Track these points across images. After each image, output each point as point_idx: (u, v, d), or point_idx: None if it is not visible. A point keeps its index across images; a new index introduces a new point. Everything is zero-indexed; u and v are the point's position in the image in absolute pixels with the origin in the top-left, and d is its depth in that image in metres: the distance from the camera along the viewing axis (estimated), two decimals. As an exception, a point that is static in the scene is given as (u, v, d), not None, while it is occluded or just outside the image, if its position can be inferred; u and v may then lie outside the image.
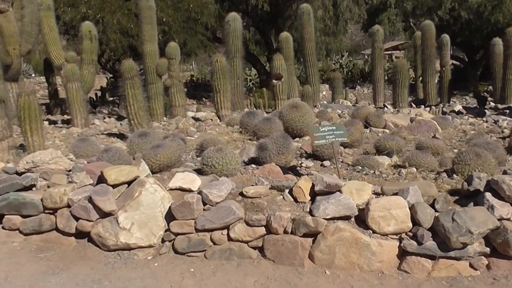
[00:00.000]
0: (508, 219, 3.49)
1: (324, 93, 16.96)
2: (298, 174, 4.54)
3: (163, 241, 3.95)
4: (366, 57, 28.23)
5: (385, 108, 9.69)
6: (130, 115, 6.59)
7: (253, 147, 5.16)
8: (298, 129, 5.81)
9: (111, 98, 17.47)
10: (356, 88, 19.64)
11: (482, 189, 3.71)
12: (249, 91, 16.47)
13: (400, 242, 3.58)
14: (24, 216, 4.15)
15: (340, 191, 3.79)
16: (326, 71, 20.44)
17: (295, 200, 3.88)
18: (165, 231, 3.94)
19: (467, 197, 3.79)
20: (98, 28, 10.63)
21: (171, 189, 4.10)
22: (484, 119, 8.01)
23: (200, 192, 3.89)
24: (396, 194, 3.81)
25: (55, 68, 10.51)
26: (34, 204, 4.09)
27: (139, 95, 6.59)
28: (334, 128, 4.28)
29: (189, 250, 3.83)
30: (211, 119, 8.27)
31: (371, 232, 3.63)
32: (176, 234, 3.88)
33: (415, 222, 3.59)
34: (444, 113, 9.18)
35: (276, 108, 8.92)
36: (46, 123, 9.14)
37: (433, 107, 9.92)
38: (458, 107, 9.86)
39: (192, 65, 29.47)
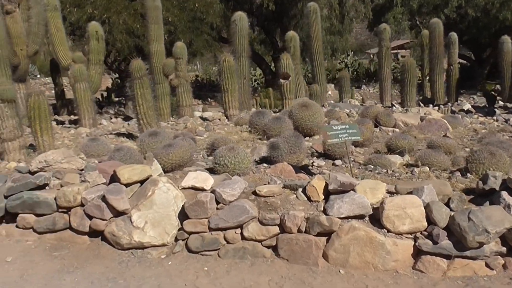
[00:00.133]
0: (525, 218, 3.46)
1: (329, 92, 16.91)
2: (310, 173, 4.53)
3: (176, 240, 3.95)
4: (371, 56, 28.16)
5: (393, 107, 9.66)
6: (139, 115, 6.59)
7: (264, 146, 5.15)
8: (308, 128, 5.79)
9: (117, 99, 17.52)
10: (362, 88, 19.59)
11: (497, 188, 3.69)
12: (254, 91, 16.46)
13: (415, 242, 3.57)
14: (38, 215, 4.17)
15: (354, 190, 3.78)
16: (331, 70, 20.41)
17: (309, 199, 3.86)
18: (178, 230, 3.93)
19: (482, 196, 3.77)
20: (104, 29, 10.64)
21: (183, 188, 4.10)
22: (494, 118, 7.97)
23: (213, 191, 3.89)
24: (410, 193, 3.80)
25: (62, 69, 10.52)
26: (48, 203, 4.10)
27: (148, 95, 6.59)
28: (347, 126, 4.27)
29: (202, 249, 3.83)
30: (219, 119, 8.27)
31: (386, 231, 3.62)
32: (190, 233, 3.88)
33: (430, 221, 3.57)
34: (453, 112, 9.13)
35: (284, 108, 8.90)
36: (53, 123, 9.14)
37: (442, 106, 9.86)
38: (467, 106, 9.80)
39: (197, 65, 29.49)
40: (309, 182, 3.92)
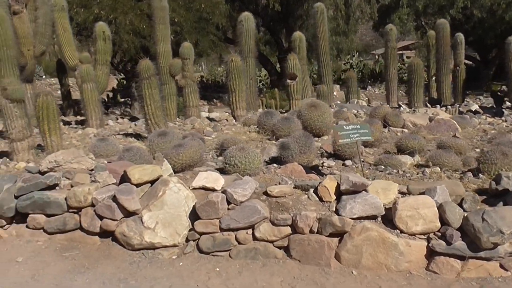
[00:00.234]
0: (540, 219, 3.43)
1: (335, 93, 16.87)
2: (321, 174, 4.51)
3: (187, 240, 3.94)
4: (376, 57, 28.08)
5: (401, 108, 9.62)
6: (147, 115, 6.58)
7: (274, 147, 5.14)
8: (317, 129, 5.77)
9: (122, 99, 17.54)
10: (367, 89, 19.54)
11: (511, 189, 3.66)
12: (260, 92, 16.44)
13: (428, 242, 3.54)
14: (48, 215, 4.16)
15: (366, 190, 3.75)
16: (336, 71, 20.34)
17: (320, 199, 3.84)
18: (189, 230, 3.92)
19: (495, 196, 3.74)
20: (111, 29, 10.65)
21: (194, 188, 4.09)
22: (503, 118, 7.92)
23: (224, 191, 3.87)
24: (422, 193, 3.77)
25: (69, 69, 10.53)
26: (59, 203, 4.09)
27: (156, 95, 6.58)
28: (358, 127, 4.25)
29: (214, 249, 3.81)
30: (226, 119, 8.26)
31: (399, 232, 3.60)
32: (201, 234, 3.87)
33: (443, 221, 3.54)
34: (460, 112, 9.10)
35: (291, 108, 8.88)
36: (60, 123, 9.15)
37: (449, 106, 9.82)
38: (475, 107, 9.76)
39: (202, 66, 29.51)
40: (320, 182, 3.90)
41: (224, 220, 3.77)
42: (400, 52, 27.05)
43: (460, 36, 12.71)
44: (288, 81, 8.87)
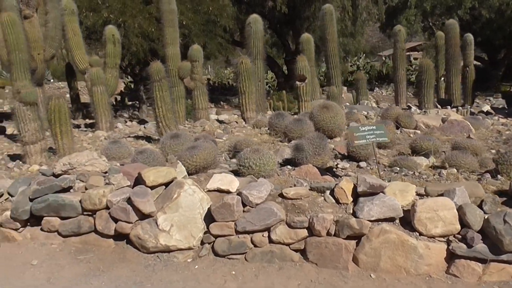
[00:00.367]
0: (563, 221, 3.36)
1: (342, 95, 16.80)
2: (335, 176, 4.46)
3: (202, 243, 3.90)
4: (383, 58, 27.98)
5: (411, 109, 9.54)
6: (158, 118, 6.56)
7: (287, 148, 5.10)
8: (329, 130, 5.73)
9: (130, 102, 17.56)
10: (375, 90, 19.44)
11: (532, 190, 3.60)
12: (267, 94, 16.42)
13: (448, 245, 3.49)
14: (62, 218, 4.15)
15: (383, 192, 3.71)
16: (343, 73, 20.26)
17: (337, 201, 3.80)
18: (204, 233, 3.89)
19: (516, 198, 3.68)
20: (120, 32, 10.66)
21: (209, 191, 4.06)
22: (516, 119, 7.84)
23: (239, 194, 3.84)
24: (441, 195, 3.72)
25: (79, 72, 10.56)
26: (73, 206, 4.07)
27: (167, 97, 6.57)
28: (374, 128, 4.20)
29: (229, 252, 3.78)
30: (236, 122, 8.23)
31: (418, 234, 3.54)
32: (216, 236, 3.83)
33: (463, 224, 3.49)
34: (472, 113, 9.01)
35: (300, 110, 8.83)
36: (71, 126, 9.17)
37: (460, 107, 9.74)
38: (486, 108, 9.67)
39: (208, 69, 29.55)
40: (336, 184, 3.86)
41: (240, 223, 3.74)
42: (408, 53, 26.89)
43: (470, 36, 12.62)
44: (298, 83, 8.82)
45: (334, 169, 4.67)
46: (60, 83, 25.11)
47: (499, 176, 4.23)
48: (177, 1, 9.90)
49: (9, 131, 9.25)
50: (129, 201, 3.94)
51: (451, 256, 3.48)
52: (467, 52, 12.48)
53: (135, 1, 12.46)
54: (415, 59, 24.29)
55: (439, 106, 10.34)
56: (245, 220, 3.73)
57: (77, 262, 3.91)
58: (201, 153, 4.39)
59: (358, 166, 4.84)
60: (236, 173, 4.37)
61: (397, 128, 6.64)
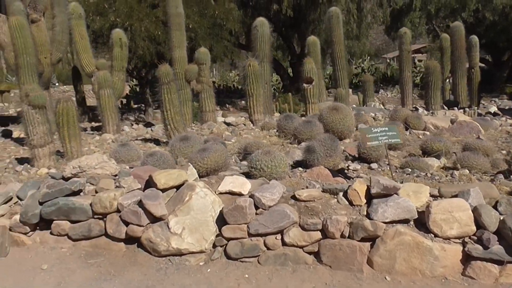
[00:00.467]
0: None
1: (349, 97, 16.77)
2: (347, 177, 4.43)
3: (214, 246, 3.86)
4: (388, 60, 27.94)
5: (418, 110, 9.50)
6: (167, 120, 6.55)
7: (297, 150, 5.07)
8: (339, 132, 5.69)
9: (136, 106, 17.60)
10: (380, 92, 19.42)
11: (548, 191, 3.55)
12: (273, 96, 16.41)
13: (464, 246, 3.44)
14: (72, 222, 4.11)
15: (397, 193, 3.67)
16: (348, 75, 20.24)
17: (350, 203, 3.76)
18: (217, 236, 3.85)
19: (531, 199, 3.62)
20: (127, 36, 10.68)
21: (220, 193, 4.03)
22: (525, 120, 7.78)
23: (251, 196, 3.80)
24: (455, 196, 3.68)
25: (86, 76, 10.57)
26: (84, 209, 4.04)
27: (176, 100, 6.55)
28: (386, 129, 4.16)
29: (242, 255, 3.74)
30: (244, 124, 8.20)
31: (433, 236, 3.50)
32: (228, 239, 3.80)
33: (478, 225, 3.45)
34: (479, 114, 8.96)
35: (307, 112, 8.80)
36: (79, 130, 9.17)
37: (467, 108, 9.69)
38: (493, 109, 9.62)
39: (213, 72, 29.59)
40: (350, 186, 3.82)
41: (253, 225, 3.70)
42: (412, 55, 26.83)
43: (475, 38, 12.60)
44: (305, 85, 8.79)
45: (346, 171, 4.64)
46: (65, 86, 25.21)
47: (511, 177, 4.18)
48: (184, 4, 9.91)
49: (15, 134, 9.27)
50: (140, 204, 3.92)
51: (466, 258, 3.44)
52: (472, 54, 12.47)
53: (141, 5, 12.50)
54: (420, 61, 24.27)
55: (445, 107, 10.29)
56: (258, 222, 3.70)
57: (87, 266, 3.88)
58: (212, 155, 4.36)
59: (369, 167, 4.80)
60: (247, 175, 4.33)
61: (406, 129, 6.60)
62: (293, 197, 3.85)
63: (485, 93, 17.25)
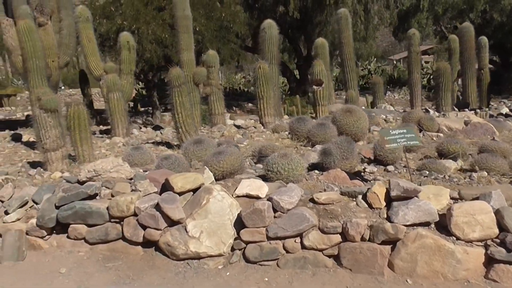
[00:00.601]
0: None
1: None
2: (364, 180, 4.39)
3: (232, 249, 3.84)
4: (394, 62, 27.86)
5: (429, 112, 9.43)
6: (178, 123, 6.52)
7: (312, 153, 5.04)
8: (352, 134, 5.65)
9: (143, 109, 17.60)
10: (387, 94, 19.34)
11: None
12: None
13: (486, 249, 3.40)
14: (89, 225, 4.10)
15: (417, 196, 3.63)
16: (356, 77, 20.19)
17: (370, 206, 3.73)
18: (235, 239, 3.83)
19: (553, 201, 3.58)
20: (134, 39, 10.69)
21: (238, 196, 4.01)
22: (539, 121, 7.70)
23: (270, 199, 3.78)
24: (476, 198, 3.65)
25: (94, 79, 10.59)
26: (100, 213, 4.03)
27: (187, 103, 6.53)
28: (404, 131, 4.13)
29: (261, 258, 3.71)
30: (254, 127, 8.17)
31: (454, 238, 3.46)
32: (247, 242, 3.77)
33: (501, 228, 3.41)
34: (491, 116, 8.89)
35: (317, 115, 8.76)
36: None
37: (478, 110, 9.63)
38: (505, 110, 9.54)
39: (219, 74, 29.58)
40: (369, 188, 3.79)
41: (271, 229, 3.67)
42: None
43: (484, 39, 12.53)
44: (314, 87, 8.76)
45: (362, 173, 4.60)
46: (70, 90, 25.29)
47: (533, 179, 4.13)
48: (191, 7, 9.90)
49: (25, 138, 9.28)
50: (157, 207, 3.90)
51: (489, 261, 3.39)
52: (482, 55, 12.40)
53: (148, 8, 12.50)
54: (426, 62, 24.17)
55: (456, 109, 10.23)
56: (276, 226, 3.67)
57: (105, 270, 3.86)
58: (228, 158, 4.33)
59: (385, 170, 4.76)
60: (264, 178, 4.30)
61: (420, 131, 6.56)
62: (312, 200, 3.82)
63: (493, 94, 17.16)
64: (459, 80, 13.33)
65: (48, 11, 9.89)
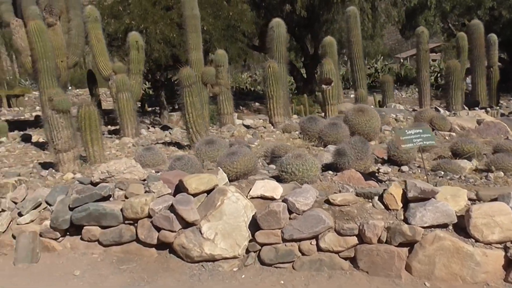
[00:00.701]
0: None
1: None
2: (379, 180, 4.34)
3: (247, 251, 3.81)
4: (401, 60, 27.71)
5: (439, 111, 9.35)
6: (189, 124, 6.50)
7: (326, 153, 5.00)
8: (365, 134, 5.60)
9: (150, 109, 17.62)
10: (394, 92, 19.21)
11: None
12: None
13: (506, 252, 3.35)
14: (103, 227, 4.09)
15: (434, 197, 3.58)
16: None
17: (386, 207, 3.69)
18: (249, 241, 3.80)
19: None
20: (142, 38, 10.69)
21: (252, 198, 3.98)
22: (552, 119, 7.61)
23: (285, 200, 3.75)
24: (494, 199, 3.59)
25: (103, 79, 10.59)
26: (114, 215, 4.02)
27: (197, 103, 6.51)
28: (420, 131, 4.08)
29: (276, 261, 3.68)
30: (264, 126, 8.13)
31: (473, 240, 3.41)
32: (262, 245, 3.74)
33: (521, 229, 3.35)
34: (502, 114, 8.81)
35: (327, 114, 8.71)
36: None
37: (489, 109, 9.54)
38: (516, 108, 9.44)
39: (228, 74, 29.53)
40: (385, 189, 3.74)
41: (287, 230, 3.64)
42: (426, 54, 26.51)
43: (493, 37, 12.41)
44: (324, 86, 8.71)
45: (376, 174, 4.55)
46: (77, 90, 25.37)
47: (551, 179, 4.07)
48: (198, 6, 9.87)
49: (34, 138, 9.30)
50: (171, 209, 3.88)
51: (509, 263, 3.34)
52: (491, 52, 12.27)
53: (156, 7, 12.49)
54: (433, 60, 24.00)
55: (466, 107, 10.14)
56: (292, 227, 3.64)
57: (120, 272, 3.85)
58: (242, 159, 4.31)
59: (399, 170, 4.71)
60: (277, 179, 4.27)
61: (432, 130, 6.48)
62: (327, 201, 3.79)
63: (502, 93, 17.00)
64: (467, 78, 13.23)
65: (57, 12, 9.88)
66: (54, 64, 8.26)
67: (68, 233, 4.28)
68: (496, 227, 3.37)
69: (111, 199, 4.25)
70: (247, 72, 28.06)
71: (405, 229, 3.45)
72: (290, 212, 3.72)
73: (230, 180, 4.31)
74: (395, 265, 3.49)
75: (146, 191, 4.19)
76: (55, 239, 4.23)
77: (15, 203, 4.41)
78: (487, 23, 19.12)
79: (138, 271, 3.83)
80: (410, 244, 3.50)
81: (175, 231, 3.84)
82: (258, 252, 3.77)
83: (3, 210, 4.35)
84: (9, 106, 20.27)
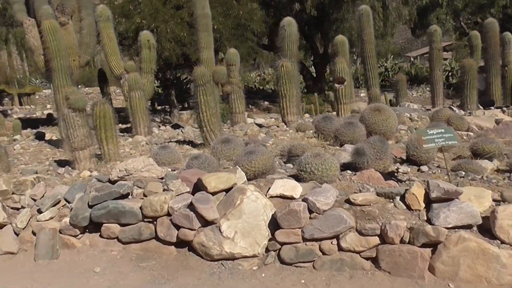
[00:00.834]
0: None
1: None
2: (398, 180, 4.30)
3: (267, 250, 3.79)
4: (412, 59, 27.53)
5: (454, 110, 9.25)
6: (203, 122, 6.48)
7: (343, 152, 4.96)
8: (381, 133, 5.54)
9: (160, 107, 17.65)
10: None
11: None
12: (296, 96, 16.25)
13: (532, 253, 3.30)
14: (122, 225, 4.09)
15: (457, 198, 3.54)
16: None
17: (408, 207, 3.65)
18: (269, 240, 3.78)
19: None
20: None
21: (271, 197, 3.95)
22: None
23: (305, 200, 3.72)
24: (519, 200, 3.54)
25: (115, 78, 10.62)
26: (134, 213, 4.01)
27: (211, 102, 6.49)
28: (442, 131, 4.03)
29: (297, 260, 3.66)
30: (276, 125, 8.10)
31: (499, 242, 3.36)
32: (282, 244, 3.72)
33: (547, 231, 3.30)
34: (518, 114, 8.69)
35: (339, 113, 8.65)
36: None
37: (504, 108, 9.43)
38: (532, 108, 9.32)
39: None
40: (407, 189, 3.71)
41: (307, 230, 3.62)
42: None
43: (508, 35, 12.23)
44: (336, 85, 8.64)
45: (396, 174, 4.51)
46: (87, 88, 25.48)
47: None
48: (209, 5, 9.87)
49: (47, 136, 9.35)
50: (191, 207, 3.87)
51: (535, 266, 3.29)
52: (506, 51, 12.08)
53: (166, 6, 12.51)
54: (445, 59, 23.80)
55: (481, 107, 10.02)
56: (312, 227, 3.61)
57: (140, 269, 3.84)
58: (260, 158, 4.28)
59: (419, 170, 4.66)
60: (296, 178, 4.24)
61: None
62: (347, 201, 3.76)
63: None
64: (479, 77, 13.07)
65: (69, 11, 9.91)
66: (68, 63, 8.30)
67: (87, 230, 4.28)
68: (522, 229, 3.32)
69: (129, 197, 4.25)
70: (255, 71, 28.05)
71: (428, 229, 3.41)
72: (310, 211, 3.69)
73: (248, 179, 4.29)
74: (418, 266, 3.45)
75: (164, 190, 4.18)
76: (75, 236, 4.24)
77: (34, 200, 4.42)
78: (500, 21, 18.95)
79: (157, 269, 3.83)
80: (433, 245, 3.45)
81: (194, 229, 3.83)
82: (278, 251, 3.75)
83: (22, 207, 4.37)
84: (20, 104, 20.42)
